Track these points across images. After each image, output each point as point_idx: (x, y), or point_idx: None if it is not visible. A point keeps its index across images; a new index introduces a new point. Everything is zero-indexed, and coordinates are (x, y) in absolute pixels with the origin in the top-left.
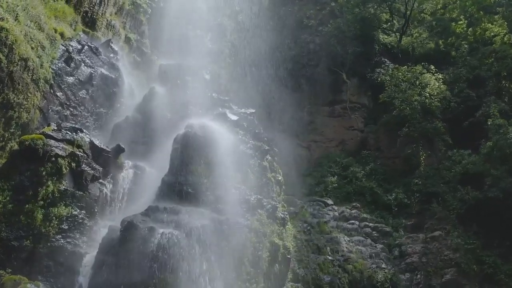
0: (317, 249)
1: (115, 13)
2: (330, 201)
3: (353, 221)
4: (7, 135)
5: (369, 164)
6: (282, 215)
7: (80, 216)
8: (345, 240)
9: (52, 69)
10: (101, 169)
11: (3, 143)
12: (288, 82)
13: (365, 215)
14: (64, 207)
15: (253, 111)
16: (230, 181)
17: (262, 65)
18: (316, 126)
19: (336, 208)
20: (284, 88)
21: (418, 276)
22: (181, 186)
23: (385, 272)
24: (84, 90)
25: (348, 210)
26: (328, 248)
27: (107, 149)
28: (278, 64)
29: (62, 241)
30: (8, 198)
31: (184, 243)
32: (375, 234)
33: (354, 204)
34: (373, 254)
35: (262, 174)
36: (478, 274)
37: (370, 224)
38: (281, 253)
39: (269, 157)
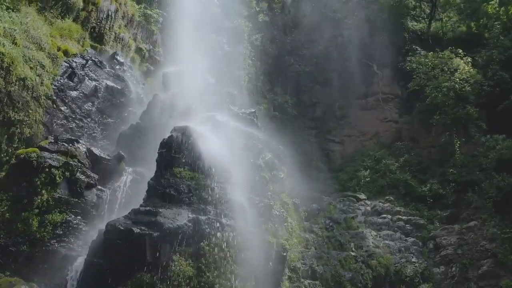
0: (340, 245)
1: (125, 26)
2: (362, 196)
3: (384, 215)
4: (10, 150)
5: (403, 156)
6: (278, 213)
7: (75, 221)
8: (372, 235)
9: (55, 85)
10: (96, 176)
11: (8, 157)
12: (318, 77)
13: (398, 208)
14: (58, 214)
15: (253, 110)
16: (216, 181)
17: (288, 63)
18: (349, 120)
19: (368, 202)
20: (314, 84)
21: (453, 268)
22: (164, 189)
23: (415, 266)
24: (89, 103)
25: (380, 204)
26: (352, 244)
27: (107, 157)
28: (305, 61)
29: (56, 246)
30: (6, 207)
31: (157, 243)
32: (408, 227)
33: (387, 197)
34: (403, 248)
35: (255, 173)
36: None
37: (403, 217)
38: (275, 251)
39: (269, 155)
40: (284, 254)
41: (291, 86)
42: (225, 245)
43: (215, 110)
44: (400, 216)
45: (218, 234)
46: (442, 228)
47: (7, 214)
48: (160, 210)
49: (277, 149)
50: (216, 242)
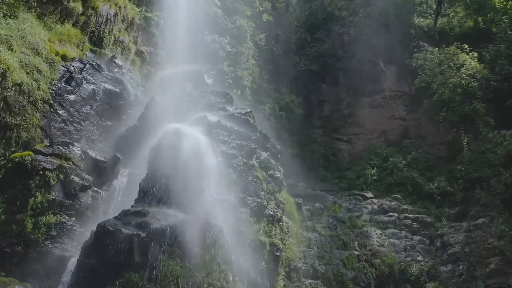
0: (343, 244)
1: (125, 29)
2: (369, 194)
3: (391, 213)
4: (8, 154)
5: (410, 153)
6: (272, 213)
7: (70, 223)
8: (376, 234)
9: (52, 89)
10: (91, 178)
11: (5, 161)
12: (324, 76)
13: (405, 206)
14: (52, 215)
15: (249, 110)
16: (205, 182)
17: (294, 62)
18: (356, 118)
19: (375, 201)
20: (320, 82)
21: (461, 267)
22: (153, 190)
23: (421, 265)
24: (88, 106)
25: (387, 202)
26: (356, 243)
27: (103, 159)
28: (311, 59)
29: (50, 247)
30: (1, 209)
31: (145, 243)
32: (415, 226)
33: (395, 195)
34: (408, 247)
35: (248, 172)
36: None
37: (411, 216)
38: (267, 250)
39: (265, 155)
40: (278, 253)
41: (297, 85)
42: (215, 245)
43: (211, 110)
44: (407, 214)
45: (208, 234)
46: (450, 226)
47: (2, 216)
48: (150, 210)
49: (274, 148)
50: (205, 242)
